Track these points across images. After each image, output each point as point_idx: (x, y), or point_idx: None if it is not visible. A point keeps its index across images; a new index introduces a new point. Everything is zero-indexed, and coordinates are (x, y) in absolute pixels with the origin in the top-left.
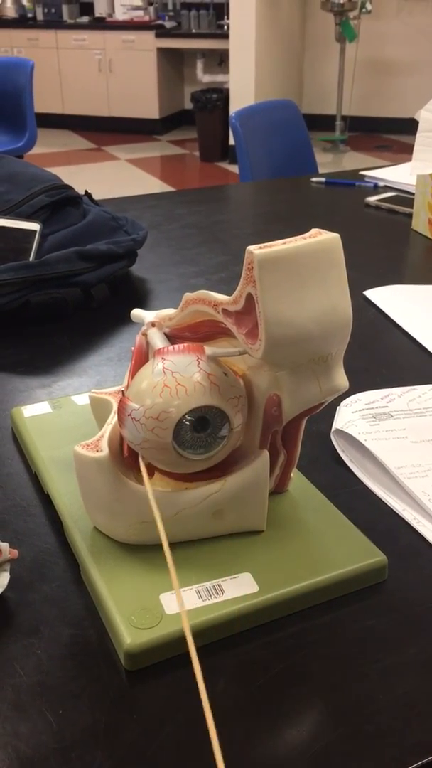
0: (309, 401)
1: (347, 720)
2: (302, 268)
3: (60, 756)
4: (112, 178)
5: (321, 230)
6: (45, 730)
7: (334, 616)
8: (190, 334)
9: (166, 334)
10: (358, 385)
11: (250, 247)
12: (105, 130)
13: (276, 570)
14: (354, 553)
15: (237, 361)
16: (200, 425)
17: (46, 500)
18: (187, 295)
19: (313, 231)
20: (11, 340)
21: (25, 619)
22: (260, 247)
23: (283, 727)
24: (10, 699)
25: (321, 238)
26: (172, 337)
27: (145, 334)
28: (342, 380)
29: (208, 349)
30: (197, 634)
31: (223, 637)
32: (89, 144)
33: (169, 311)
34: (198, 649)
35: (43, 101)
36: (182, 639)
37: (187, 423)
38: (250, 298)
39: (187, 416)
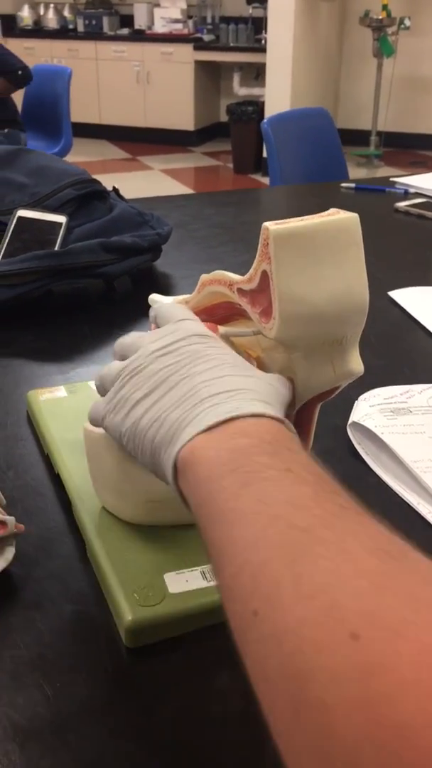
0: (322, 385)
1: None
2: (318, 246)
3: (54, 728)
4: (146, 187)
5: (340, 209)
6: (41, 702)
7: None
8: (207, 316)
9: None
10: (378, 382)
11: (266, 223)
12: (140, 141)
13: None
14: None
15: (252, 345)
16: None
17: (57, 481)
18: (204, 276)
19: (332, 210)
20: (33, 328)
21: (29, 594)
22: (276, 223)
23: None
24: (9, 670)
25: (339, 216)
26: None
27: None
28: (357, 364)
29: (222, 329)
30: (200, 614)
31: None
32: (124, 154)
33: (186, 296)
34: (200, 631)
35: (81, 111)
36: (184, 618)
37: None
38: (264, 276)
39: None
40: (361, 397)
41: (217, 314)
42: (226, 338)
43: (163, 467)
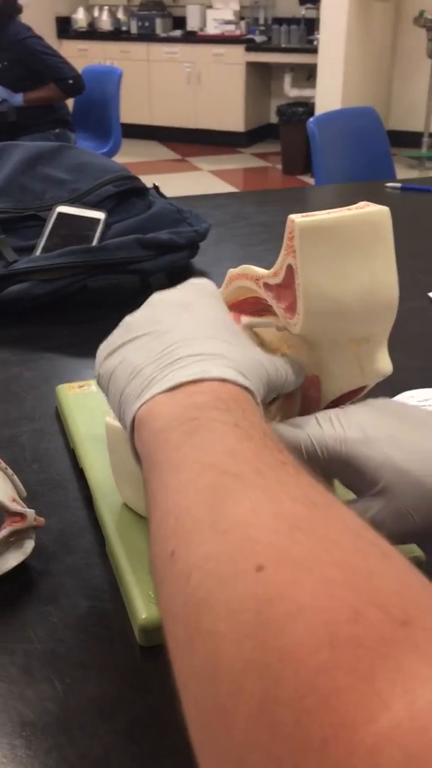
0: (349, 383)
1: None
2: (346, 240)
3: (62, 724)
4: (194, 188)
5: (370, 203)
6: (51, 697)
7: None
8: (234, 311)
9: None
10: (413, 383)
11: (292, 216)
12: (190, 142)
13: None
14: None
15: (278, 342)
16: None
17: (81, 476)
18: (231, 271)
19: (362, 203)
20: (67, 323)
21: (45, 588)
22: (302, 216)
23: None
24: (20, 663)
25: (368, 210)
26: None
27: None
28: (385, 364)
29: (244, 319)
30: None
31: None
32: (173, 155)
33: None
34: None
35: (132, 112)
36: None
37: None
38: (290, 270)
39: None
40: (394, 399)
41: (244, 309)
42: (249, 329)
43: (125, 421)
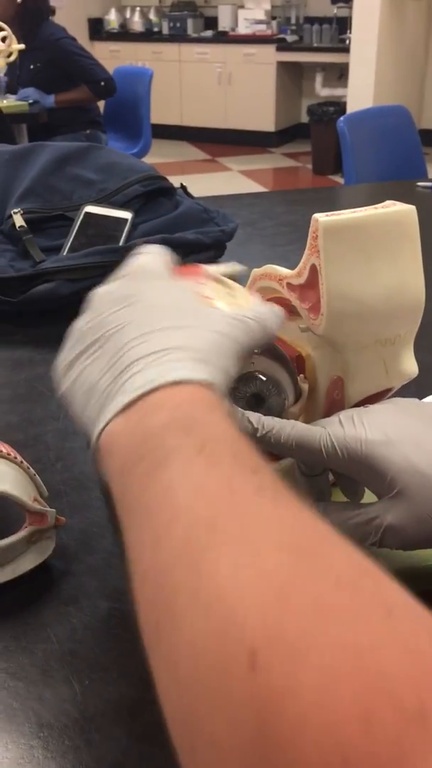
0: (374, 386)
1: None
2: (370, 239)
3: (79, 726)
4: (223, 188)
5: (396, 202)
6: (69, 698)
7: None
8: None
9: None
10: None
11: (316, 215)
12: (220, 142)
13: None
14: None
15: (302, 343)
16: (255, 402)
17: None
18: (255, 271)
19: (388, 202)
20: None
21: (66, 588)
22: (326, 215)
23: None
24: (39, 664)
25: (393, 209)
26: None
27: None
28: (411, 365)
29: (207, 267)
30: None
31: None
32: (204, 155)
33: None
34: None
35: (163, 112)
36: None
37: (242, 399)
38: (313, 270)
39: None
40: (423, 401)
41: None
42: (214, 280)
43: (91, 448)
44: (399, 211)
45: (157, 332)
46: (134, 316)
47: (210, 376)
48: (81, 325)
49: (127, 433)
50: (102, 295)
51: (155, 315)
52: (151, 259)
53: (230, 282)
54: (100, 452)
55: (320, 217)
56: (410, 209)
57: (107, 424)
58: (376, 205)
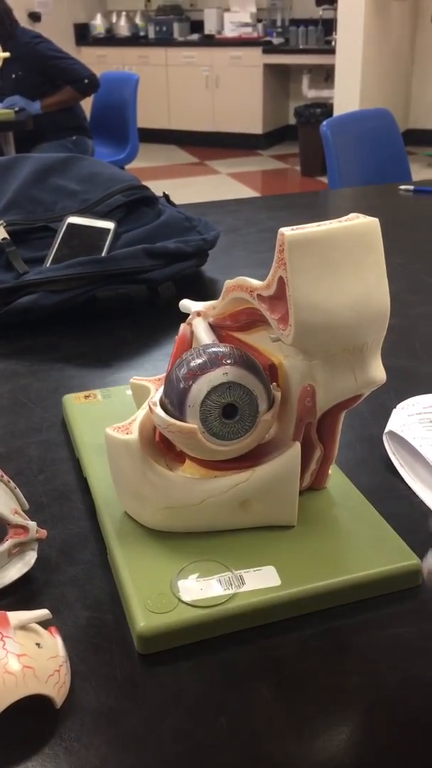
0: (344, 393)
1: (361, 730)
2: (336, 251)
3: (58, 734)
4: (212, 191)
5: (360, 214)
6: (48, 707)
7: (360, 619)
8: (231, 322)
9: (210, 325)
10: (419, 389)
11: (282, 229)
12: (208, 145)
13: (301, 565)
14: (386, 555)
15: (274, 350)
16: (230, 411)
17: (86, 486)
18: (228, 282)
19: (352, 215)
20: (76, 333)
21: (47, 599)
22: (292, 229)
23: (292, 732)
24: None
25: (357, 222)
26: (215, 327)
27: (190, 324)
28: (379, 372)
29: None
30: (213, 623)
31: (240, 630)
32: (192, 158)
33: (214, 302)
34: (213, 640)
35: (151, 117)
36: (196, 627)
37: (216, 408)
38: (281, 282)
39: (213, 397)
40: (399, 406)
41: (240, 320)
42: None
43: None
44: (363, 223)
45: None
46: None
47: None
48: None
49: None
50: None
51: None
52: None
53: (39, 629)
54: None
55: (286, 231)
56: (373, 221)
57: None
58: (341, 219)
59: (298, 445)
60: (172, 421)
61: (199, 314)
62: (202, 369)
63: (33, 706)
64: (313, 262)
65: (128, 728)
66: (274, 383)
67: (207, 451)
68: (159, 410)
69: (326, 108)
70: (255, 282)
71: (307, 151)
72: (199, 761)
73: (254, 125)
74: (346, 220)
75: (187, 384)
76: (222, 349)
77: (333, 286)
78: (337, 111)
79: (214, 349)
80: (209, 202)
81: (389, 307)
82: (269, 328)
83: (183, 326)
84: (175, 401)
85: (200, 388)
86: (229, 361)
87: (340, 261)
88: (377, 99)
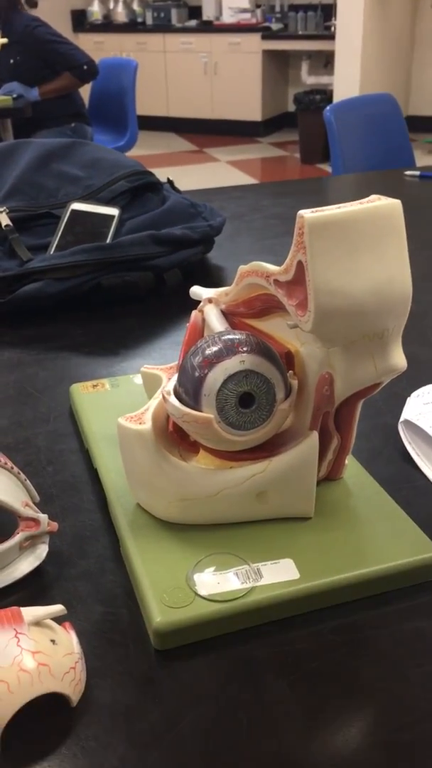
0: (363, 381)
1: (381, 726)
2: (357, 234)
3: (74, 734)
4: (211, 179)
5: (381, 196)
6: (63, 706)
7: (380, 612)
8: (245, 309)
9: (222, 311)
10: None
11: (302, 211)
12: (207, 132)
13: (320, 558)
14: (406, 547)
15: (290, 337)
16: (246, 399)
17: (96, 478)
18: (242, 268)
19: (373, 197)
20: (82, 321)
21: (60, 593)
22: (312, 211)
23: (312, 728)
24: None
25: (379, 204)
26: (228, 314)
27: (201, 311)
28: (400, 359)
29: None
30: (230, 617)
31: (258, 624)
32: (191, 146)
33: (227, 288)
34: (231, 635)
35: (149, 104)
36: (214, 621)
37: (233, 397)
38: (300, 267)
39: (230, 386)
40: (414, 394)
41: (255, 307)
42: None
43: None
44: (385, 205)
45: None
46: None
47: None
48: None
49: None
50: None
51: None
52: None
53: (54, 625)
54: None
55: (306, 214)
56: (396, 203)
57: None
58: (362, 200)
59: (315, 435)
60: (187, 410)
61: (210, 301)
62: (218, 357)
63: (48, 705)
64: (333, 246)
65: (146, 726)
66: (290, 371)
67: (223, 441)
68: (173, 399)
69: (326, 94)
70: (272, 267)
71: (307, 139)
72: (220, 759)
73: (253, 112)
74: (367, 201)
75: (203, 372)
76: (238, 336)
77: (354, 271)
78: (337, 97)
79: (229, 336)
80: (213, 189)
81: (411, 292)
82: (285, 315)
83: (194, 313)
84: (190, 390)
85: (216, 376)
86: (245, 349)
87: (361, 244)
88: (377, 85)
